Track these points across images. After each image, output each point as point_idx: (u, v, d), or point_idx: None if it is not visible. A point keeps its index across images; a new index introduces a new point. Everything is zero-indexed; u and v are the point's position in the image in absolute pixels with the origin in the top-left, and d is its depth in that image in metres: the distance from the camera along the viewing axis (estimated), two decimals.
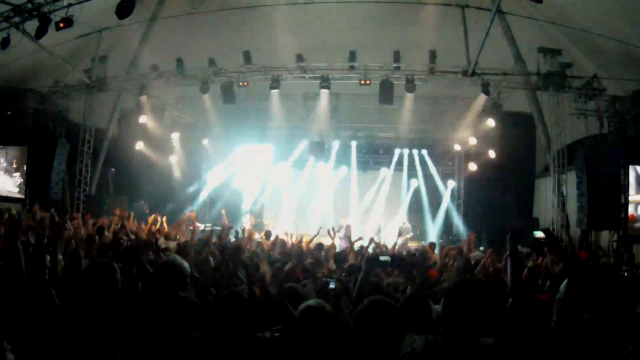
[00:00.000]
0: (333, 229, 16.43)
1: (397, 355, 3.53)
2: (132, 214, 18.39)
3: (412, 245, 21.39)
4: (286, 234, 17.74)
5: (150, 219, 17.04)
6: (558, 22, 17.87)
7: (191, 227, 17.13)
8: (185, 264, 5.10)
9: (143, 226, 16.76)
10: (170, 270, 4.97)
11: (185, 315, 4.19)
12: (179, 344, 3.90)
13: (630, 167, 17.89)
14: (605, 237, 18.95)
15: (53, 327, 4.25)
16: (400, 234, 18.66)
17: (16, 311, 4.34)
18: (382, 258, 5.57)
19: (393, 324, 3.62)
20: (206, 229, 21.43)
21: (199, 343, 4.02)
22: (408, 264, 5.61)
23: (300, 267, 9.22)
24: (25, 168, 21.17)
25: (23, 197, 20.93)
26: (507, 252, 4.86)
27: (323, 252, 13.24)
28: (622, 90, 18.50)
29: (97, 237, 12.07)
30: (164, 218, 17.50)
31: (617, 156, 18.08)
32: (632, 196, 17.72)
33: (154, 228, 15.67)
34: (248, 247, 13.84)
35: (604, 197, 17.80)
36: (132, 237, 13.02)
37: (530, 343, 4.33)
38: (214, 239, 14.48)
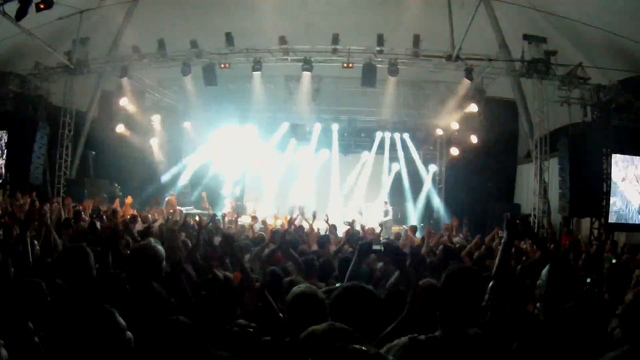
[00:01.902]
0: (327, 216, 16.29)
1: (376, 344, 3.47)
2: (117, 200, 18.32)
3: (394, 229, 21.39)
4: (263, 221, 17.64)
5: (127, 200, 16.99)
6: (544, 10, 17.88)
7: (171, 210, 17.07)
8: (160, 249, 4.99)
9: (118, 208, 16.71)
10: (144, 255, 4.86)
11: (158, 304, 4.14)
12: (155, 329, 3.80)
13: None
14: (587, 225, 19.06)
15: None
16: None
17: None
18: (375, 246, 5.49)
19: (369, 310, 3.55)
20: (187, 211, 21.30)
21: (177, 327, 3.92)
22: (402, 253, 5.51)
23: (282, 249, 9.13)
24: (5, 153, 20.86)
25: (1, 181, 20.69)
26: (503, 240, 4.80)
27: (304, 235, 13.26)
28: (607, 79, 18.56)
29: (73, 221, 11.92)
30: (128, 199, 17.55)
31: (600, 145, 18.21)
32: None
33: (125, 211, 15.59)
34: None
35: (586, 184, 17.92)
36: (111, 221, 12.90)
37: (514, 330, 4.29)
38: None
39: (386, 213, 23.87)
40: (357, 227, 14.60)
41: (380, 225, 15.12)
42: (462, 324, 3.56)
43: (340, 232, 15.19)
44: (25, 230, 6.03)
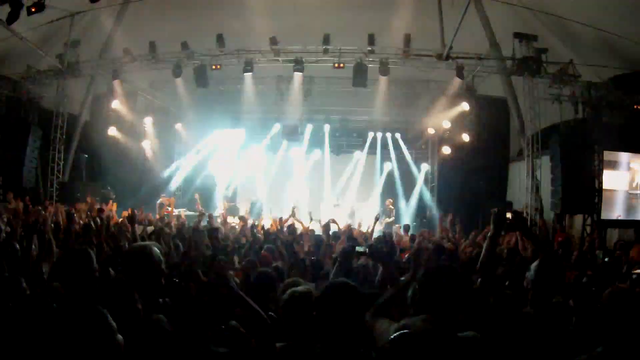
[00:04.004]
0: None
1: (362, 338, 3.51)
2: (110, 202, 18.34)
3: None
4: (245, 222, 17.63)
5: (113, 206, 17.03)
6: (534, 8, 17.95)
7: (167, 213, 17.07)
8: (157, 252, 4.90)
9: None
10: (139, 259, 4.80)
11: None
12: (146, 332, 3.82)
13: None
14: (579, 221, 19.14)
15: (23, 317, 4.17)
16: (378, 218, 18.66)
17: None
18: (358, 249, 5.48)
19: (354, 307, 3.58)
20: (181, 213, 21.33)
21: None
22: (385, 254, 5.53)
23: (275, 250, 9.11)
24: None
25: None
26: (489, 233, 4.82)
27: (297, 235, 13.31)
28: (598, 76, 18.63)
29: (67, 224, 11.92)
30: (114, 205, 17.63)
31: (591, 142, 18.26)
32: None
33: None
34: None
35: (578, 181, 17.95)
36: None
37: (504, 326, 4.32)
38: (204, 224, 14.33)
39: (389, 214, 23.99)
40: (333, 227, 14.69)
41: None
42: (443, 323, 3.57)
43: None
44: (31, 233, 6.02)
